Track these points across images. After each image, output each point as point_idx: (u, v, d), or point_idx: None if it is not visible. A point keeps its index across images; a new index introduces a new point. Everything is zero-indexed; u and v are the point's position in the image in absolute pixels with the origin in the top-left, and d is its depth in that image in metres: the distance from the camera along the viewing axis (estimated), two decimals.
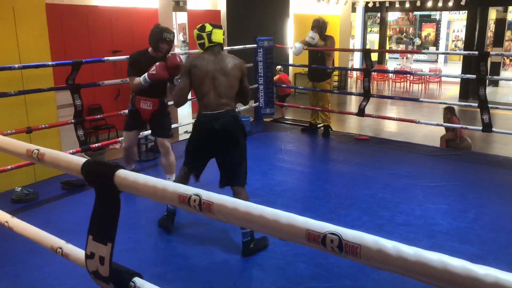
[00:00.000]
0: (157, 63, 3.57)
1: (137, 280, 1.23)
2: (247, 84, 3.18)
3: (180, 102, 3.17)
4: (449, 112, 6.09)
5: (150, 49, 3.79)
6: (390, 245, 0.79)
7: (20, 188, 3.84)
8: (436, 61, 20.94)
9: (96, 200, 1.24)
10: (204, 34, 3.03)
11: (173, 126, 5.78)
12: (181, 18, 9.62)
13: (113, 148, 7.25)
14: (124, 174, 1.13)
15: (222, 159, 3.08)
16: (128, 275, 1.21)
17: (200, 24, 3.10)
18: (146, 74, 3.59)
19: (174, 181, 3.24)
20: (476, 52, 4.97)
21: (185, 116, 8.05)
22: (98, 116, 4.77)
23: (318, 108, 5.86)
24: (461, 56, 14.93)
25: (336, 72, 13.87)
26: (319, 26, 5.54)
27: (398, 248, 0.79)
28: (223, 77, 2.98)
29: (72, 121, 4.10)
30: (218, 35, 3.06)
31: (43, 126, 4.00)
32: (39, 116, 4.47)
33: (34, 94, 4.27)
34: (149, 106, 3.76)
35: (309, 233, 0.86)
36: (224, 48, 6.72)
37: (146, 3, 8.22)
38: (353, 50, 12.93)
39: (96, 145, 4.35)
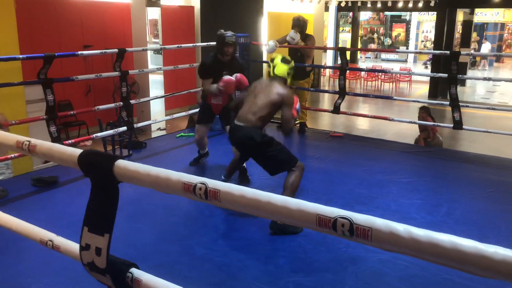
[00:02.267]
0: (227, 79, 3.95)
1: (134, 270, 1.20)
2: (288, 114, 3.33)
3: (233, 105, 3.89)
4: (424, 112, 6.24)
5: (218, 54, 4.13)
6: (401, 228, 0.80)
7: None
8: (405, 61, 21.43)
9: (92, 191, 1.21)
10: (272, 65, 3.45)
11: (145, 123, 5.73)
12: (152, 14, 9.49)
13: (84, 145, 7.08)
14: (124, 164, 1.10)
15: (256, 161, 3.41)
16: (124, 266, 1.19)
17: (276, 55, 3.52)
18: (216, 86, 3.99)
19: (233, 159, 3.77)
20: (448, 52, 5.11)
21: (158, 114, 7.96)
22: (71, 112, 4.65)
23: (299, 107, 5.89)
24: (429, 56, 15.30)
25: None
26: (300, 25, 5.55)
27: (410, 231, 0.80)
28: (262, 97, 3.30)
29: (44, 116, 3.97)
30: (281, 70, 3.42)
31: (13, 122, 3.85)
32: (7, 111, 4.31)
33: (3, 89, 4.12)
34: (220, 101, 4.14)
35: (319, 217, 0.86)
36: (197, 44, 6.68)
37: None
38: (329, 48, 13.07)
39: (69, 141, 4.22)
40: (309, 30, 14.47)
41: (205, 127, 4.34)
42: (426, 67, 19.72)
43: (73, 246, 1.29)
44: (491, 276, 0.75)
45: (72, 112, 4.65)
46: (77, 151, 1.19)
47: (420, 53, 9.40)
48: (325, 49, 12.66)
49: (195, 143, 4.57)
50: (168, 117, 6.42)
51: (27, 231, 1.49)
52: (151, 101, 8.04)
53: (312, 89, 6.19)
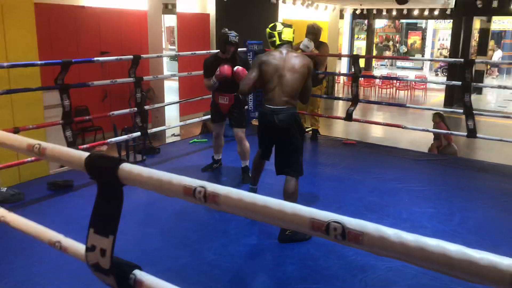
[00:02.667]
0: (221, 65, 3.99)
1: (137, 272, 1.24)
2: (310, 83, 3.35)
3: (244, 90, 3.37)
4: (438, 117, 6.21)
5: (219, 52, 4.22)
6: (391, 232, 0.82)
7: (5, 188, 3.79)
8: (421, 69, 21.26)
9: (98, 194, 1.25)
10: (275, 33, 3.29)
11: (159, 129, 5.80)
12: (169, 21, 9.64)
13: (99, 150, 7.19)
14: (128, 167, 1.14)
15: (279, 150, 3.30)
16: (128, 267, 1.22)
17: (272, 23, 3.39)
18: (214, 76, 4.05)
19: (254, 158, 3.65)
20: (462, 60, 5.07)
21: (172, 120, 8.05)
22: (87, 117, 4.74)
23: (306, 113, 5.90)
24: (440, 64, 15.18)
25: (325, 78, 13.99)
26: (314, 32, 5.58)
27: (399, 235, 0.81)
28: (290, 75, 3.17)
29: (61, 121, 4.06)
30: (288, 34, 3.30)
31: (31, 126, 3.95)
32: (25, 116, 4.41)
33: (21, 94, 4.22)
34: (226, 100, 4.23)
35: (313, 222, 0.88)
36: (211, 51, 6.77)
37: (135, 5, 8.20)
38: (342, 56, 13.08)
39: (84, 146, 4.31)
40: (324, 38, 14.53)
41: (219, 125, 4.46)
42: (437, 75, 19.56)
43: (80, 248, 1.33)
44: (478, 281, 0.76)
45: (87, 117, 4.74)
46: (85, 154, 1.24)
47: (434, 60, 9.35)
48: (338, 56, 12.65)
49: (212, 144, 4.70)
50: (181, 123, 6.50)
51: (37, 232, 1.54)
52: (166, 107, 8.15)
53: (324, 96, 6.19)
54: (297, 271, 2.86)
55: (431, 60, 20.47)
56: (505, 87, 5.65)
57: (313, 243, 3.14)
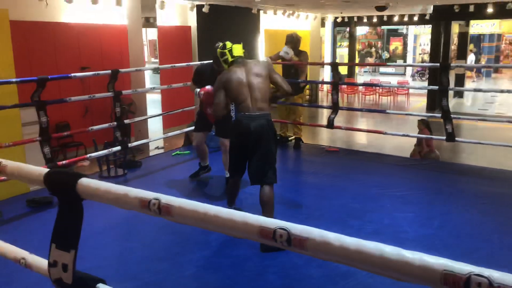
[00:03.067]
0: (207, 89, 4.00)
1: (101, 286, 1.22)
2: (278, 76, 3.47)
3: (219, 115, 3.51)
4: (422, 124, 6.27)
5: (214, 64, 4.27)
6: (333, 236, 0.82)
7: None
8: (404, 74, 21.55)
9: (59, 209, 1.24)
10: (226, 51, 3.48)
11: (139, 142, 5.78)
12: (152, 34, 9.67)
13: (81, 166, 7.12)
14: (86, 182, 1.14)
15: (254, 158, 3.32)
16: (92, 282, 1.21)
17: (222, 43, 3.56)
18: (198, 92, 4.08)
19: (228, 185, 3.71)
20: (438, 64, 5.15)
21: (156, 133, 8.01)
22: (65, 133, 4.69)
23: (289, 121, 5.94)
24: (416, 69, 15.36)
25: (307, 86, 14.10)
26: (293, 41, 5.66)
27: (340, 239, 0.82)
28: (256, 81, 3.31)
29: (38, 138, 4.01)
30: (238, 50, 3.50)
31: (7, 144, 3.90)
32: (3, 133, 4.36)
33: None
34: None
35: (261, 229, 0.89)
36: (191, 63, 6.79)
37: (115, 20, 8.19)
38: (321, 64, 13.21)
39: (63, 162, 4.26)
40: (306, 46, 14.64)
41: (202, 134, 4.51)
42: (415, 79, 19.86)
43: (45, 264, 1.31)
44: (412, 280, 0.76)
45: (66, 133, 4.68)
46: (44, 171, 1.23)
47: (410, 66, 9.52)
48: (316, 64, 12.78)
49: (196, 153, 4.75)
50: (162, 136, 6.47)
51: (1, 250, 1.51)
52: (149, 121, 8.11)
53: (305, 104, 6.23)
54: (279, 280, 2.86)
55: (407, 66, 20.79)
56: (480, 90, 5.73)
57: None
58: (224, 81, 3.38)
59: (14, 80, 3.87)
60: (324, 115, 12.26)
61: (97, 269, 2.85)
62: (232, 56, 3.46)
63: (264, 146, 3.28)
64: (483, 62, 20.82)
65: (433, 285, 0.71)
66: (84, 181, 1.14)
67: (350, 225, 3.62)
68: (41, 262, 1.40)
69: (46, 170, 1.23)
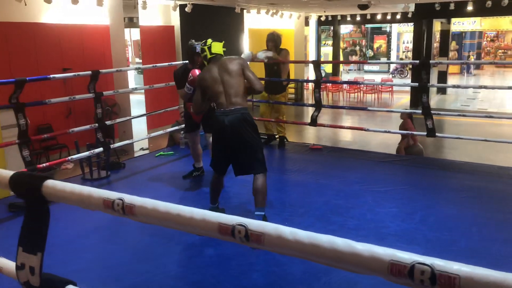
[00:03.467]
0: (192, 70, 4.09)
1: (70, 287, 1.22)
2: (251, 74, 3.49)
3: (198, 112, 3.66)
4: (404, 114, 6.36)
5: (188, 63, 4.41)
6: (288, 231, 0.84)
7: None
8: (388, 72, 21.77)
9: (26, 211, 1.24)
10: (206, 47, 3.53)
11: (122, 143, 5.75)
12: (136, 34, 9.63)
13: (65, 168, 7.05)
14: (52, 184, 1.13)
15: (236, 153, 3.38)
16: (60, 284, 1.20)
17: (204, 40, 3.61)
18: (186, 83, 4.10)
19: (211, 182, 3.65)
20: (417, 61, 5.22)
21: (140, 133, 7.96)
22: (45, 136, 4.63)
23: (273, 120, 5.95)
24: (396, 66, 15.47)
25: (292, 85, 14.14)
26: (274, 39, 5.68)
27: (295, 233, 0.83)
28: (230, 78, 3.38)
29: (17, 141, 3.97)
30: (218, 47, 3.54)
31: None
32: None
33: None
34: None
35: (220, 226, 0.90)
36: (173, 63, 6.76)
37: (96, 20, 8.12)
38: (303, 62, 13.28)
39: (43, 165, 4.22)
40: (291, 45, 14.67)
41: (193, 134, 4.55)
42: (394, 77, 20.10)
43: (13, 266, 1.31)
44: (362, 271, 0.78)
45: (46, 136, 4.63)
46: (9, 173, 1.22)
47: (392, 63, 9.61)
48: (299, 62, 12.84)
49: (190, 153, 4.78)
50: (145, 137, 6.44)
51: None
52: (133, 122, 8.07)
53: (289, 103, 6.26)
54: (262, 278, 2.87)
55: (388, 63, 20.99)
56: (458, 86, 5.82)
57: None
58: (200, 80, 3.49)
59: None
60: (309, 113, 12.32)
61: (81, 272, 2.86)
62: (211, 53, 3.51)
63: (244, 138, 3.34)
64: (472, 59, 21.11)
65: (381, 275, 0.73)
66: (50, 183, 1.14)
67: (333, 221, 3.65)
68: (11, 265, 1.39)
69: (12, 173, 1.22)
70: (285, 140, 6.09)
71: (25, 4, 6.56)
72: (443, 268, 0.67)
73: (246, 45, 12.11)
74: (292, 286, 2.79)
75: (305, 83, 14.64)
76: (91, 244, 3.39)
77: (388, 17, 14.33)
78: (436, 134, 4.92)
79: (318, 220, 3.70)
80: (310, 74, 16.15)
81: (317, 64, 5.75)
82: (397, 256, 0.71)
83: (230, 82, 3.37)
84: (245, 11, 11.55)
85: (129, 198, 1.00)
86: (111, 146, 4.97)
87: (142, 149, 8.07)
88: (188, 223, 0.93)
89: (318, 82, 5.53)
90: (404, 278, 0.69)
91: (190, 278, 2.89)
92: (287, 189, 4.62)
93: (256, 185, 3.35)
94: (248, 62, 5.55)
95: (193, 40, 4.31)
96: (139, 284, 2.81)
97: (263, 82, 6.68)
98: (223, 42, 3.63)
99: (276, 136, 6.16)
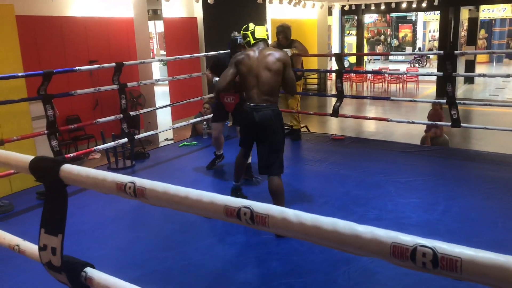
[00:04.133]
0: (229, 102, 4.25)
1: (88, 269, 1.28)
2: (291, 75, 3.36)
3: (219, 87, 3.48)
4: (437, 104, 6.24)
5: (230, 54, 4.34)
6: (292, 213, 0.86)
7: None
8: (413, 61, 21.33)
9: (46, 194, 1.29)
10: (249, 33, 3.40)
11: (146, 134, 5.86)
12: (161, 26, 9.75)
13: (92, 158, 7.24)
14: (68, 168, 1.18)
15: (260, 148, 3.36)
16: (79, 265, 1.26)
17: (245, 25, 3.49)
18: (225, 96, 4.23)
19: (236, 156, 3.70)
20: (442, 52, 5.12)
21: (164, 124, 8.09)
22: (73, 126, 4.76)
23: (294, 111, 5.85)
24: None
25: (315, 75, 14.04)
26: (283, 31, 5.51)
27: (299, 215, 0.85)
28: (266, 74, 3.23)
29: (45, 131, 4.10)
30: (261, 32, 3.40)
31: (15, 138, 3.99)
32: (12, 128, 4.47)
33: (7, 106, 4.26)
34: (232, 100, 4.29)
35: (226, 208, 0.93)
36: (195, 55, 6.81)
37: (121, 13, 8.25)
38: (325, 55, 13.12)
39: (71, 155, 4.35)
40: (313, 35, 14.53)
41: (220, 124, 4.59)
42: (412, 65, 19.65)
43: (36, 249, 1.38)
44: (364, 254, 0.80)
45: (73, 126, 4.76)
46: (29, 158, 1.28)
47: (414, 54, 9.35)
48: (319, 55, 12.69)
49: (212, 142, 4.81)
50: (168, 128, 6.53)
51: None
52: (158, 113, 8.20)
53: (310, 93, 6.19)
54: (281, 267, 2.90)
55: (410, 54, 20.50)
56: (484, 75, 5.68)
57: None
58: (237, 61, 3.34)
59: (19, 74, 3.94)
60: (332, 103, 12.23)
61: (105, 258, 2.96)
62: (254, 38, 3.38)
63: (270, 137, 3.30)
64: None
65: (383, 257, 0.75)
66: (66, 167, 1.19)
67: (353, 212, 3.65)
68: (33, 248, 1.47)
69: (32, 157, 1.29)
70: (299, 133, 5.96)
71: None
72: (445, 250, 0.68)
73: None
74: (311, 275, 2.81)
75: (328, 73, 14.51)
76: (114, 232, 3.50)
77: (414, 5, 14.01)
78: (461, 124, 4.82)
79: (339, 210, 3.70)
80: (334, 64, 15.99)
81: (339, 56, 5.69)
82: (399, 239, 0.72)
83: (266, 79, 3.24)
84: (267, 1, 11.50)
85: (140, 182, 1.05)
86: (136, 136, 5.07)
87: (166, 139, 8.19)
88: (196, 205, 0.96)
89: (340, 73, 5.49)
90: (406, 260, 0.71)
91: (210, 266, 2.94)
92: (308, 179, 4.63)
93: (272, 186, 3.32)
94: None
95: (236, 32, 4.28)
96: (161, 271, 2.89)
97: None
98: (265, 25, 3.51)
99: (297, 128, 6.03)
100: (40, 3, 6.91)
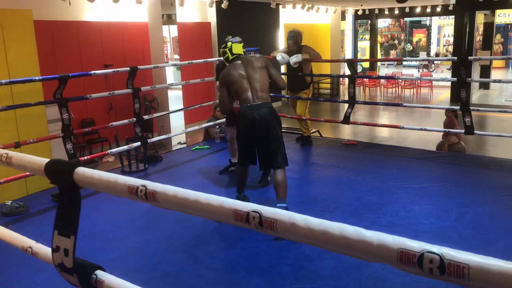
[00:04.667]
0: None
1: (98, 272, 1.30)
2: (274, 71, 3.67)
3: (225, 110, 3.81)
4: (450, 111, 6.18)
5: None
6: (300, 218, 0.86)
7: (10, 201, 3.90)
8: (425, 66, 21.15)
9: (60, 197, 1.32)
10: (227, 50, 3.66)
11: (159, 138, 5.91)
12: (175, 31, 9.86)
13: (106, 161, 7.32)
14: (82, 171, 1.21)
15: (262, 146, 3.51)
16: (90, 268, 1.28)
17: (224, 43, 3.73)
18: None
19: (236, 173, 3.82)
20: (455, 58, 5.08)
21: (177, 128, 8.15)
22: (87, 129, 4.84)
23: (305, 118, 5.73)
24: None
25: (327, 80, 14.02)
26: (295, 36, 5.46)
27: (307, 220, 0.86)
28: (255, 73, 3.51)
29: (61, 134, 4.17)
30: (238, 48, 3.67)
31: (31, 140, 4.07)
32: (29, 131, 4.55)
33: (24, 109, 4.35)
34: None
35: (236, 212, 0.94)
36: (208, 60, 6.85)
37: (135, 18, 8.35)
38: (336, 61, 13.05)
39: (85, 158, 4.41)
40: (326, 40, 14.51)
41: (233, 128, 4.56)
42: (433, 71, 19.45)
43: (49, 251, 1.40)
44: (372, 259, 0.80)
45: (87, 129, 4.83)
46: (45, 161, 1.31)
47: (428, 60, 9.22)
48: (331, 61, 12.65)
49: (228, 148, 4.84)
50: (181, 132, 6.58)
51: (11, 239, 1.62)
52: (172, 117, 8.27)
53: (321, 99, 6.18)
54: (292, 272, 2.90)
55: (424, 60, 20.32)
56: (499, 81, 5.62)
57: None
58: (225, 76, 3.57)
59: (37, 78, 4.02)
60: (345, 109, 12.18)
61: (117, 260, 2.99)
62: (232, 54, 3.64)
63: (271, 132, 3.45)
64: None
65: (390, 263, 0.75)
66: (80, 170, 1.21)
67: (365, 217, 3.63)
68: (46, 250, 1.49)
69: (47, 160, 1.31)
70: (309, 139, 5.88)
71: (69, 4, 6.84)
72: (452, 257, 0.68)
73: (281, 41, 12.11)
74: (321, 281, 2.80)
75: (341, 78, 14.48)
76: (127, 234, 3.53)
77: (428, 10, 13.94)
78: (475, 131, 4.77)
79: (350, 215, 3.68)
80: (347, 69, 15.95)
81: (350, 62, 5.66)
82: (406, 245, 0.73)
83: (256, 77, 3.49)
84: (280, 6, 11.53)
85: (151, 185, 1.07)
86: (149, 140, 5.12)
87: (179, 143, 8.25)
88: (205, 209, 0.98)
89: (353, 78, 5.47)
90: (413, 266, 0.71)
91: (221, 270, 2.96)
92: (319, 184, 4.61)
93: (277, 178, 3.46)
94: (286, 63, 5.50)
95: (229, 37, 4.31)
96: (172, 273, 2.91)
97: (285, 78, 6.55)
98: (242, 43, 3.75)
99: (307, 134, 5.95)
100: (57, 8, 7.04)
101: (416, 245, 0.72)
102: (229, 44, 3.68)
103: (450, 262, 0.67)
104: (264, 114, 3.43)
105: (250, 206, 0.92)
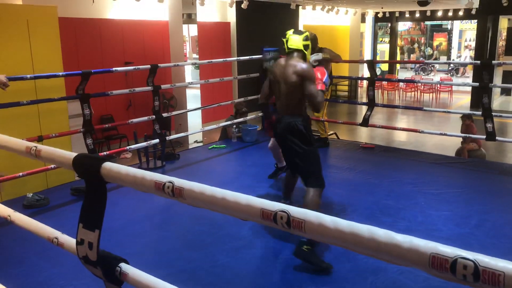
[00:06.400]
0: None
1: (123, 265, 1.31)
2: (311, 89, 3.10)
3: (261, 100, 3.54)
4: (467, 118, 6.09)
5: None
6: (329, 219, 0.86)
7: (31, 194, 3.97)
8: (447, 70, 20.87)
9: (86, 190, 1.34)
10: (284, 40, 3.25)
11: (177, 136, 5.96)
12: (194, 30, 9.93)
13: (124, 157, 7.40)
14: (109, 166, 1.23)
15: (287, 158, 3.36)
16: (115, 261, 1.30)
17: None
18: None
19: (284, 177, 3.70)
20: (479, 62, 5.00)
21: (195, 127, 8.19)
22: (107, 125, 4.91)
23: (322, 119, 5.76)
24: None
25: (346, 82, 13.94)
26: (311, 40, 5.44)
27: (336, 222, 0.85)
28: (283, 85, 3.18)
29: (81, 130, 4.23)
30: (295, 41, 3.19)
31: (53, 134, 4.14)
32: (51, 125, 4.63)
33: (47, 104, 4.43)
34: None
35: (263, 211, 0.94)
36: (232, 58, 6.86)
37: (156, 16, 8.43)
38: (357, 62, 12.98)
39: (104, 153, 4.47)
40: (346, 42, 14.42)
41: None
42: (453, 75, 19.16)
43: (73, 243, 1.43)
44: (403, 263, 0.79)
45: (107, 125, 4.90)
46: (73, 155, 1.34)
47: (449, 63, 9.02)
48: (352, 62, 12.57)
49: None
50: (199, 130, 6.61)
51: (37, 230, 1.65)
52: (189, 115, 8.32)
53: (340, 100, 6.14)
54: (308, 273, 2.89)
55: (444, 63, 20.01)
56: None
57: (325, 246, 3.15)
58: (270, 71, 3.39)
59: (60, 73, 4.09)
60: (363, 111, 12.09)
61: (134, 255, 3.01)
62: (287, 47, 3.23)
63: (292, 149, 3.22)
64: None
65: (422, 267, 0.74)
66: (107, 165, 1.23)
67: (382, 222, 3.60)
68: (71, 241, 1.52)
69: (75, 154, 1.34)
70: (327, 141, 5.87)
71: (93, 2, 6.94)
72: (488, 264, 0.67)
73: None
74: (337, 284, 2.79)
75: (359, 81, 14.39)
76: (144, 230, 3.57)
77: (450, 13, 13.75)
78: (497, 138, 4.69)
79: (367, 219, 3.65)
80: (365, 71, 15.83)
81: (371, 63, 5.62)
82: (439, 250, 0.72)
83: (283, 91, 3.20)
84: (300, 7, 11.51)
85: (178, 182, 1.07)
86: (167, 137, 5.16)
87: (196, 141, 8.30)
88: (232, 207, 0.98)
89: (372, 81, 5.43)
90: (445, 272, 0.70)
91: (237, 268, 2.96)
92: (336, 187, 4.58)
93: (304, 198, 3.17)
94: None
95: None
96: (188, 270, 2.93)
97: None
98: (306, 33, 3.26)
99: (324, 136, 5.94)
100: (81, 6, 7.15)
101: (449, 250, 0.71)
102: (288, 34, 3.26)
103: (485, 269, 0.67)
104: (282, 131, 3.23)
105: (278, 206, 0.92)
